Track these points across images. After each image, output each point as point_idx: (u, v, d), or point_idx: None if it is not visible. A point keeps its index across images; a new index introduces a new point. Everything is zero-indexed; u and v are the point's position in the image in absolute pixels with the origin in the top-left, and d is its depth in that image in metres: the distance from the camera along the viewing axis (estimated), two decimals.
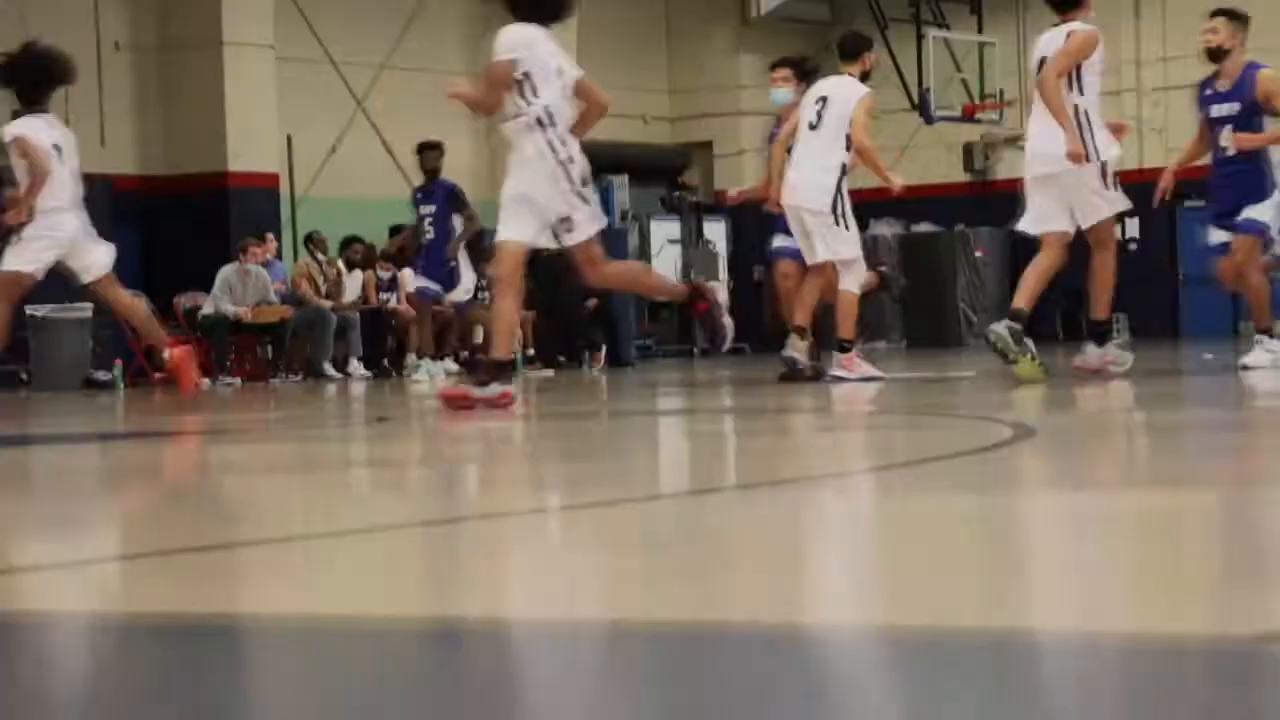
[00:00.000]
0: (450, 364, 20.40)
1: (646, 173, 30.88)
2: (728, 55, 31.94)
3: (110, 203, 19.65)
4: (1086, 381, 12.18)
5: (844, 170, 13.37)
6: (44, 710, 2.56)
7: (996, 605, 3.20)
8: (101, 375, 18.04)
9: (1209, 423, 9.04)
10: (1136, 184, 15.27)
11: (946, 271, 30.52)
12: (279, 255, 23.83)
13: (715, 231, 30.97)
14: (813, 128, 13.32)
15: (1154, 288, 29.60)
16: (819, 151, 13.32)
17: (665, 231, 30.50)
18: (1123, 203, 12.14)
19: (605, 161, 23.39)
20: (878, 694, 2.47)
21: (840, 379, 13.26)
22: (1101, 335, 12.64)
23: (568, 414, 12.47)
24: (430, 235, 18.98)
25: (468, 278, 19.27)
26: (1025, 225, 12.30)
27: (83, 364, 20.35)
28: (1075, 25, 11.81)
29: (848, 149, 13.35)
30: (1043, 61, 11.81)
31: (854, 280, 13.65)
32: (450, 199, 18.99)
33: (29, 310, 20.29)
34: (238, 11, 25.16)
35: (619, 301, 24.34)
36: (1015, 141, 32.82)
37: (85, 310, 19.75)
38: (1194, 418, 9.65)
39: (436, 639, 3.22)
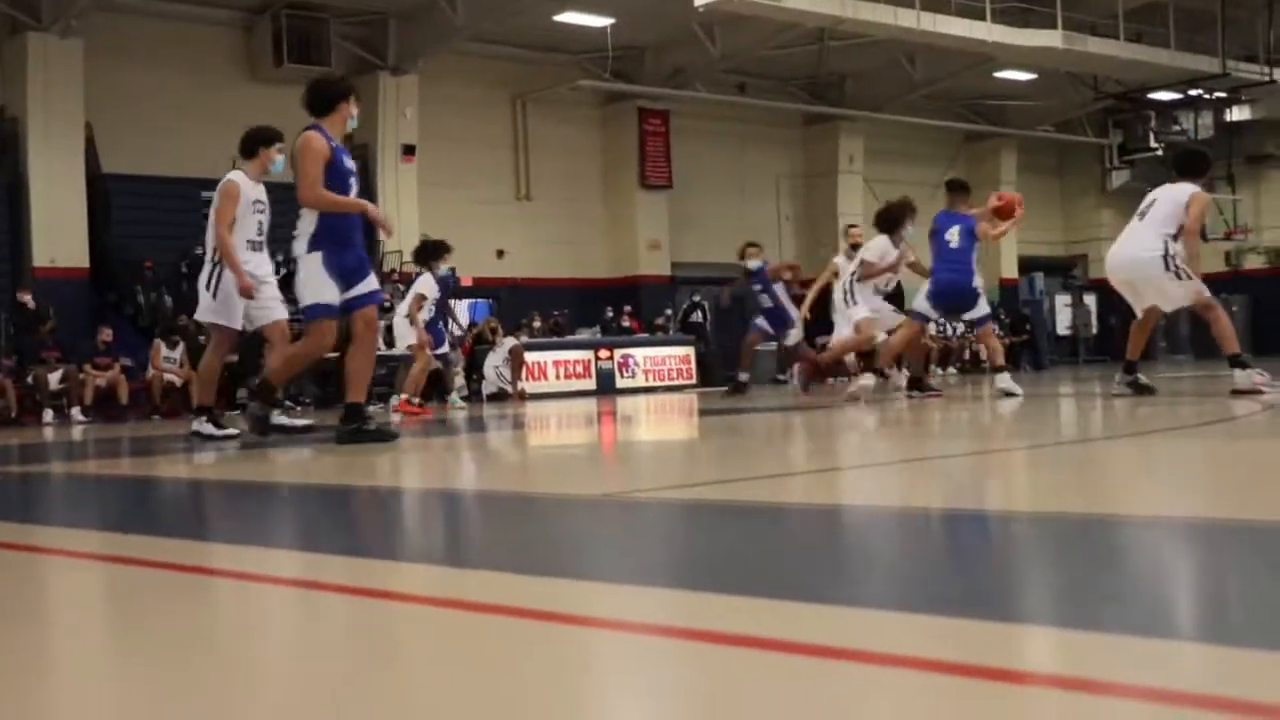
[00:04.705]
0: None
1: (1052, 269, 29.89)
2: (1094, 209, 30.09)
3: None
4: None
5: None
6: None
7: None
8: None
9: None
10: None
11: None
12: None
13: (1089, 299, 29.13)
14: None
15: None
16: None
17: (1064, 300, 29.39)
18: (1197, 286, 7.72)
19: (1034, 265, 25.99)
20: None
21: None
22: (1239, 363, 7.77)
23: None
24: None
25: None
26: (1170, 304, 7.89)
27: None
28: (1195, 188, 7.77)
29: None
30: (1153, 201, 7.83)
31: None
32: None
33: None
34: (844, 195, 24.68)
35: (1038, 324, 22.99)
36: (1254, 250, 29.75)
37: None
38: None
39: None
